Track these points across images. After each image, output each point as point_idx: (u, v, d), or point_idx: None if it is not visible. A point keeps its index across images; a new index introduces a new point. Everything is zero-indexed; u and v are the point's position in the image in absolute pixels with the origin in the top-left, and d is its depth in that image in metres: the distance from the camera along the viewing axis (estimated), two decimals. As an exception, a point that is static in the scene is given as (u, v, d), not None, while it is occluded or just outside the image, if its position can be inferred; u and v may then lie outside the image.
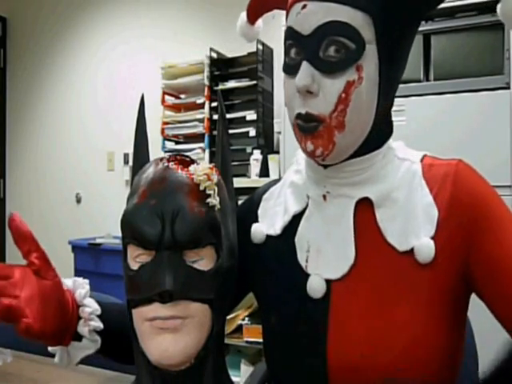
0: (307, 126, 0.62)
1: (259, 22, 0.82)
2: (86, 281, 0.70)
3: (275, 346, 0.70)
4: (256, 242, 0.73)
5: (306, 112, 0.61)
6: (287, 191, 0.73)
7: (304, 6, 0.60)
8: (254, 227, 0.73)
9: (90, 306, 0.67)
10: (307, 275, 0.66)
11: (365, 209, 0.65)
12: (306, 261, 0.66)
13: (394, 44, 0.62)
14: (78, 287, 0.68)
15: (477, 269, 0.60)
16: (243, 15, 0.80)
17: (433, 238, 0.61)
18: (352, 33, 0.58)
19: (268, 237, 0.72)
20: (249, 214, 0.76)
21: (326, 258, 0.65)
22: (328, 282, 0.64)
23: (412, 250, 0.61)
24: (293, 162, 0.77)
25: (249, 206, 0.78)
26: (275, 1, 0.76)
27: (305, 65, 0.60)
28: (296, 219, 0.69)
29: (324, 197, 0.67)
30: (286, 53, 0.64)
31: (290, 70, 0.63)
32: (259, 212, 0.75)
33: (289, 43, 0.63)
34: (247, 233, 0.73)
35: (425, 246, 0.60)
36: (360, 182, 0.65)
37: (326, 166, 0.66)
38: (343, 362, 0.62)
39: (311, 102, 0.60)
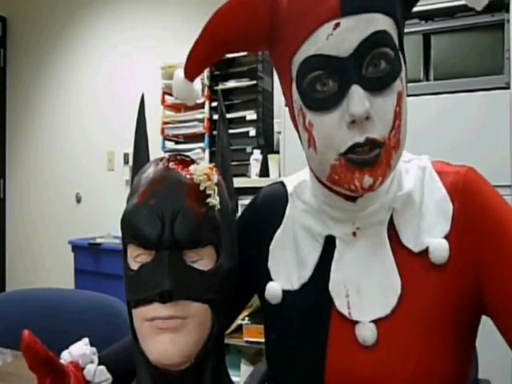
0: (368, 158, 0.54)
1: (198, 80, 0.68)
2: (94, 350, 0.68)
3: (278, 362, 0.69)
4: (272, 303, 0.67)
5: (366, 138, 0.53)
6: (298, 234, 0.67)
7: (337, 25, 0.52)
8: (269, 288, 0.68)
9: (101, 381, 0.66)
10: (353, 322, 0.60)
11: (388, 224, 0.62)
12: (348, 307, 0.61)
13: (403, 46, 0.59)
14: (87, 362, 0.66)
15: (487, 291, 0.58)
16: (179, 73, 0.66)
17: (447, 236, 0.59)
18: (390, 41, 0.54)
19: (285, 292, 0.66)
20: (259, 266, 0.71)
21: (369, 296, 0.60)
22: (375, 322, 0.59)
23: (427, 250, 0.59)
24: (290, 195, 0.71)
25: (256, 255, 0.72)
26: (222, 49, 0.64)
27: (356, 89, 0.52)
28: (315, 270, 0.65)
29: (353, 233, 0.62)
30: (313, 88, 0.55)
31: (325, 104, 0.54)
32: (270, 266, 0.69)
33: (315, 75, 0.54)
34: (262, 289, 0.69)
35: (438, 246, 0.58)
36: (386, 202, 0.61)
37: (355, 199, 0.61)
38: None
39: (368, 126, 0.53)
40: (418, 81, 1.79)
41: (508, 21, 1.63)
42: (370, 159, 0.54)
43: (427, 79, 1.81)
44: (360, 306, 0.60)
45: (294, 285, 0.66)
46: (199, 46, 0.63)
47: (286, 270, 0.67)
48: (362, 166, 0.54)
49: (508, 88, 1.64)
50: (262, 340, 0.73)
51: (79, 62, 3.29)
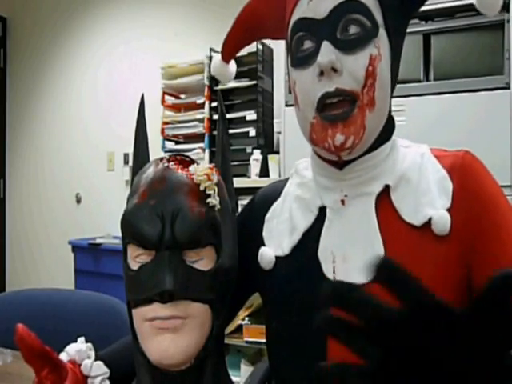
0: (338, 113, 0.60)
1: (233, 62, 0.81)
2: (90, 345, 0.68)
3: (278, 349, 0.69)
4: (266, 268, 0.70)
5: (336, 88, 0.59)
6: (292, 206, 0.70)
7: None
8: (262, 252, 0.70)
9: (98, 375, 0.66)
10: None
11: (382, 199, 0.64)
12: (334, 271, 0.64)
13: (396, 32, 0.63)
14: (83, 358, 0.66)
15: (476, 263, 0.60)
16: (217, 56, 0.80)
17: (448, 210, 0.61)
18: (367, 12, 0.60)
19: (277, 258, 0.69)
20: (254, 237, 0.73)
21: (354, 263, 0.63)
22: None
23: (429, 222, 0.60)
24: (291, 174, 0.75)
25: (252, 227, 0.75)
26: (252, 35, 0.77)
27: (325, 44, 0.59)
28: (305, 235, 0.68)
29: (342, 201, 0.65)
30: (296, 48, 0.63)
31: (305, 60, 0.62)
32: (264, 234, 0.72)
33: (299, 36, 0.62)
34: (255, 256, 0.71)
35: (441, 217, 0.60)
36: (375, 177, 0.64)
37: (341, 168, 0.65)
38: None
39: (338, 79, 0.59)
40: (418, 81, 1.78)
41: (508, 21, 1.63)
42: (341, 114, 0.60)
43: (427, 79, 1.81)
44: (345, 273, 0.63)
45: (285, 249, 0.69)
46: (232, 33, 0.75)
47: (279, 237, 0.70)
48: (334, 121, 0.60)
49: (508, 88, 1.64)
50: (262, 340, 0.73)
51: (79, 62, 3.29)
